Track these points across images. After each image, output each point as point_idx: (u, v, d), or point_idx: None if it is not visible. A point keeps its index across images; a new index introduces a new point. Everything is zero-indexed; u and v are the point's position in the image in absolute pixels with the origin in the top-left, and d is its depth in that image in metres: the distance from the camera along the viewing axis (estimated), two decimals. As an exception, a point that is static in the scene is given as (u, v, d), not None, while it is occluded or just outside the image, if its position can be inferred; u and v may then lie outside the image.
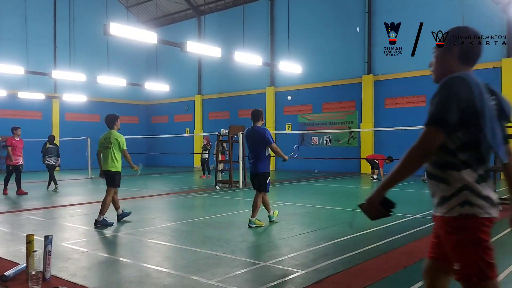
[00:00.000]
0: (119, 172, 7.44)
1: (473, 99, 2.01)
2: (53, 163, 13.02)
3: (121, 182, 7.63)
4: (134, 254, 5.39)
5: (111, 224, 7.18)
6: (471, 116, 2.02)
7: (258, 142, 7.01)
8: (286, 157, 7.24)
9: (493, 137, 2.06)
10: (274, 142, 7.07)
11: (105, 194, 7.35)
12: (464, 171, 2.08)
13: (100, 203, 7.33)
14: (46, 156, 12.93)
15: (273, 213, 7.38)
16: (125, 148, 7.46)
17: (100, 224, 7.09)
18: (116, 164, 7.37)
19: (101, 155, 7.43)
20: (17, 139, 11.98)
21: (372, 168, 15.47)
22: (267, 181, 7.06)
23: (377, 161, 15.25)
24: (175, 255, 5.40)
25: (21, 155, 12.00)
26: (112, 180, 7.37)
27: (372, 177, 15.27)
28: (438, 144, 2.03)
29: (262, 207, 7.19)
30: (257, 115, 7.21)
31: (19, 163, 11.96)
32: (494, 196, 2.17)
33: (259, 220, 7.03)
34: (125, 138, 7.68)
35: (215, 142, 15.92)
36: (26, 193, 11.84)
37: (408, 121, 17.17)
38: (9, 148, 11.79)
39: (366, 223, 7.28)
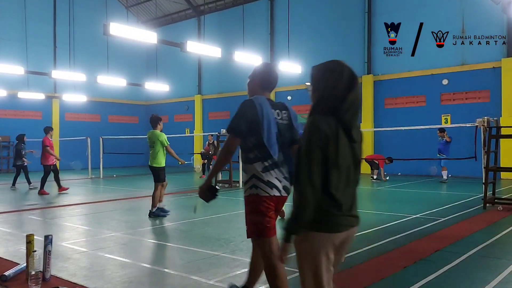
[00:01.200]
0: (162, 168, 8.15)
1: (257, 115, 3.00)
2: (24, 163, 13.47)
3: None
4: (134, 254, 5.39)
5: (167, 212, 8.06)
6: (256, 127, 3.00)
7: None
8: None
9: (268, 140, 3.02)
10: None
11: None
12: (255, 163, 3.05)
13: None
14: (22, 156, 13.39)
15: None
16: (166, 144, 8.08)
17: (153, 215, 7.94)
18: (158, 161, 8.06)
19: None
20: (51, 139, 12.29)
21: (372, 168, 15.45)
22: None
23: (376, 161, 15.23)
24: (174, 255, 5.40)
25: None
26: (156, 175, 8.07)
27: (372, 177, 15.24)
28: (236, 146, 3.06)
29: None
30: None
31: (54, 163, 12.29)
32: (276, 181, 3.06)
33: None
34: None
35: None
36: (47, 193, 11.92)
37: (408, 121, 17.17)
38: (48, 148, 12.03)
39: (365, 224, 7.28)
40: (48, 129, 12.38)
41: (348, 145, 2.18)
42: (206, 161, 17.68)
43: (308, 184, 2.09)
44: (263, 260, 3.14)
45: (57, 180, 12.22)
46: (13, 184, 13.38)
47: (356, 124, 2.23)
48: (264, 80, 3.24)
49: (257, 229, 3.09)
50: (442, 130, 14.41)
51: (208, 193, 3.31)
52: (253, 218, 3.11)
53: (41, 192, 11.89)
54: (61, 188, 12.15)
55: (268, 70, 3.29)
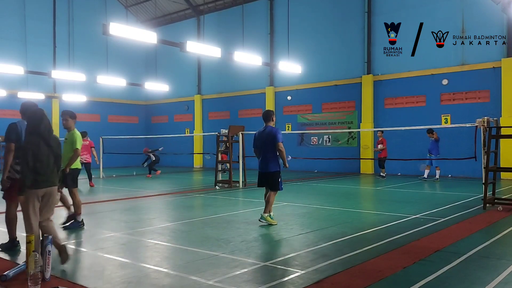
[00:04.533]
0: (72, 170, 7.09)
1: (18, 132, 5.17)
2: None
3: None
4: (133, 254, 5.38)
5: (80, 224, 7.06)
6: (17, 137, 5.15)
7: (269, 141, 7.16)
8: (287, 165, 7.25)
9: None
10: (282, 141, 7.15)
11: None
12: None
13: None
14: None
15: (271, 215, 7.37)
16: (76, 147, 7.10)
17: (73, 226, 6.97)
18: (76, 162, 7.21)
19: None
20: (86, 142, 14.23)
21: (382, 166, 16.16)
22: (279, 180, 7.20)
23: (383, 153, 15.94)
24: (174, 255, 5.39)
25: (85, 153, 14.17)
26: (74, 178, 7.25)
27: (382, 176, 15.97)
28: (13, 148, 5.11)
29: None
30: (267, 115, 7.39)
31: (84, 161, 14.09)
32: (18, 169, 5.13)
33: (270, 218, 7.13)
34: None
35: (214, 143, 15.89)
36: (93, 186, 14.20)
37: (407, 121, 17.17)
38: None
39: (365, 224, 7.27)
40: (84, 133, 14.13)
41: (46, 148, 4.63)
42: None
43: (26, 168, 4.49)
44: (7, 211, 5.40)
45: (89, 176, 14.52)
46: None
47: (51, 137, 4.71)
48: (24, 111, 5.35)
49: (9, 195, 5.26)
50: (431, 131, 14.63)
51: (4, 183, 5.15)
52: (12, 190, 5.13)
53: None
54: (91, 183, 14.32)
55: (27, 105, 5.34)
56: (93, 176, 14.54)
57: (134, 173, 19.52)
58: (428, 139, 15.13)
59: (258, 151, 7.41)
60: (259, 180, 7.41)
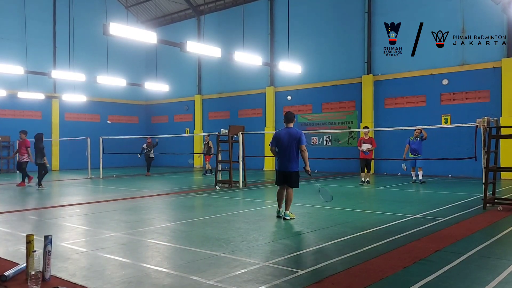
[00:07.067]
0: None
1: None
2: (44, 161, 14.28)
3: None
4: (134, 254, 5.38)
5: None
6: None
7: (293, 142, 7.49)
8: (309, 169, 7.58)
9: None
10: (306, 144, 7.61)
11: None
12: None
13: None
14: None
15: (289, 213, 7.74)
16: None
17: None
18: None
19: None
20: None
21: (366, 170, 13.87)
22: (299, 178, 7.70)
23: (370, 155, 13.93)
24: (174, 255, 5.39)
25: (22, 153, 14.65)
26: None
27: (367, 181, 13.85)
28: None
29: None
30: (291, 117, 7.72)
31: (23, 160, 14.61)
32: None
33: (291, 213, 7.66)
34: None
35: (214, 143, 15.87)
36: (24, 185, 14.29)
37: (407, 121, 17.18)
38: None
39: (365, 224, 7.27)
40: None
41: None
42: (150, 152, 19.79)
43: None
44: None
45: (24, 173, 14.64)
46: (39, 183, 13.66)
47: None
48: None
49: None
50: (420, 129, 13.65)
51: None
52: None
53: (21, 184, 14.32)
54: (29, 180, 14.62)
55: None
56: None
57: (114, 175, 18.98)
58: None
59: (278, 150, 7.66)
60: (279, 178, 7.74)
